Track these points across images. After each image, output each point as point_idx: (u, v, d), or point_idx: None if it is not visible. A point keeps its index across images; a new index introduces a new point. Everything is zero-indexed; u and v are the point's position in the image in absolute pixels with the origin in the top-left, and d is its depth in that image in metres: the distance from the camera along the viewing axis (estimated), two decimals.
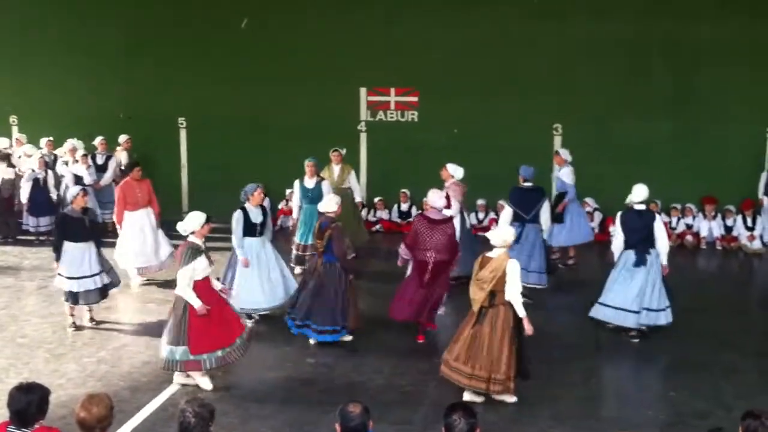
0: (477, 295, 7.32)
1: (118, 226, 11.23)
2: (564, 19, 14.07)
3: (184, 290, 7.64)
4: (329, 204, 9.24)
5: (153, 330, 9.51)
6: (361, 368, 8.42)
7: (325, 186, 11.47)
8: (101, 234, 10.44)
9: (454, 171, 11.05)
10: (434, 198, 9.10)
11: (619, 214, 9.34)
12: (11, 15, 15.91)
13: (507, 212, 10.70)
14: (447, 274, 9.16)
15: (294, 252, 11.64)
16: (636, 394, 7.89)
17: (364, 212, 13.89)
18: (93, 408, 4.36)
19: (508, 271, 7.17)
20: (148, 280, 11.36)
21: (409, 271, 9.30)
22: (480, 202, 14.55)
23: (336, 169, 12.54)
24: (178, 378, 7.90)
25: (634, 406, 7.55)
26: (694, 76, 13.84)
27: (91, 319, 9.70)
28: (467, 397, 7.40)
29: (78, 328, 9.53)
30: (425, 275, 8.92)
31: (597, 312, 9.29)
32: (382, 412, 7.06)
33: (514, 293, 7.21)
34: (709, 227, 13.69)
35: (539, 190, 10.97)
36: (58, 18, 15.68)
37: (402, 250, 9.15)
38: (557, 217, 12.12)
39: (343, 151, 12.75)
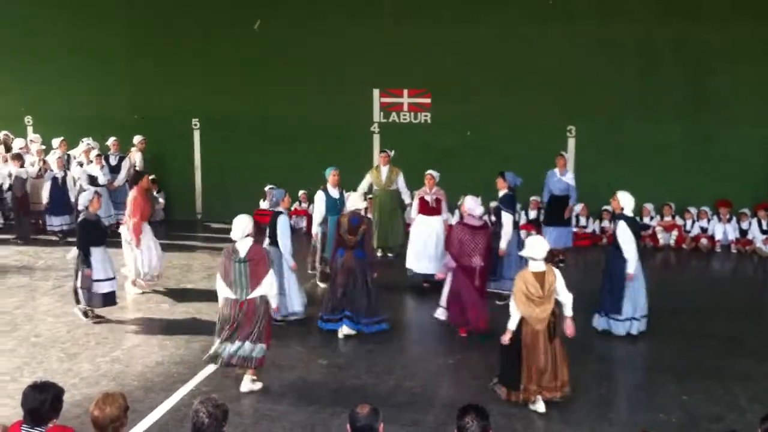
0: (545, 312, 7.26)
1: (134, 239, 10.70)
2: (576, 20, 14.03)
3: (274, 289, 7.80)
4: (357, 201, 9.28)
5: (166, 331, 9.58)
6: (372, 370, 8.42)
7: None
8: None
9: (436, 175, 11.52)
10: (473, 205, 9.18)
11: (624, 224, 9.06)
12: (25, 19, 15.97)
13: (510, 219, 10.43)
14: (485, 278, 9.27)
15: (320, 268, 11.13)
16: (648, 397, 7.84)
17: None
18: (106, 408, 4.38)
19: (558, 278, 7.33)
20: (143, 291, 11.09)
21: (448, 283, 9.26)
22: (493, 204, 14.47)
23: (384, 170, 12.54)
24: (246, 385, 7.78)
25: (647, 410, 7.51)
26: (707, 78, 13.76)
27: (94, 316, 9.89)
28: (541, 406, 7.35)
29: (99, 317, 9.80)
30: (475, 280, 8.99)
31: (641, 325, 9.31)
32: (393, 414, 7.07)
33: (569, 296, 7.39)
34: (723, 230, 13.61)
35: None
36: (71, 20, 15.73)
37: (447, 260, 9.18)
38: (565, 220, 12.39)
39: (392, 153, 12.73)
